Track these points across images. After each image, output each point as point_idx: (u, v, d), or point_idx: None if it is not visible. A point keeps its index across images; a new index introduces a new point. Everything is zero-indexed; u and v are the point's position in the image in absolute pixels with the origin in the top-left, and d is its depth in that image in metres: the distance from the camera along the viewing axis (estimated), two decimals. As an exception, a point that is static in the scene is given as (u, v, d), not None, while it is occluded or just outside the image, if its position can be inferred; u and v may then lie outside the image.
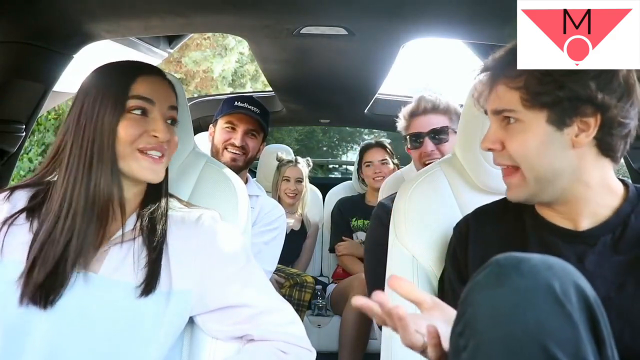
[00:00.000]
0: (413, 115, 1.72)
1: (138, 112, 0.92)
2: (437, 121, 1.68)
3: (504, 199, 1.00)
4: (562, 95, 0.80)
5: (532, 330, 0.56)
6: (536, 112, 0.83)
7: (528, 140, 0.84)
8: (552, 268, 0.59)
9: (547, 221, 0.92)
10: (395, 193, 1.79)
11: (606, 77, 0.80)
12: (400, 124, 1.79)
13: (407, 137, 1.73)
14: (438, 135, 1.66)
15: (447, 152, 1.65)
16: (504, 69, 0.86)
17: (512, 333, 0.56)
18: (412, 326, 0.66)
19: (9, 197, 0.93)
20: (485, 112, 0.93)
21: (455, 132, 1.66)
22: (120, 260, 0.91)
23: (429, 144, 1.66)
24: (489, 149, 0.90)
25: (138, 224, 0.94)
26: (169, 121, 0.97)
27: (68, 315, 0.84)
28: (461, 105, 1.25)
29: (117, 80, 0.93)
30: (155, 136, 0.93)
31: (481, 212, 1.03)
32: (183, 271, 0.93)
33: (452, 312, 0.72)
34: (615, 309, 0.77)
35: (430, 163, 1.60)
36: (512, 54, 0.85)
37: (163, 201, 0.99)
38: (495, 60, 0.89)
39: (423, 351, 0.69)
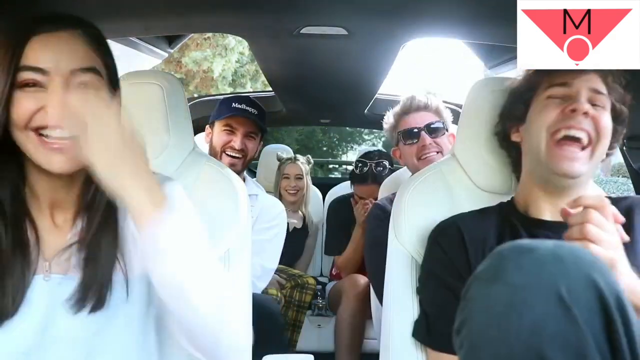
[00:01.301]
0: (406, 112, 1.71)
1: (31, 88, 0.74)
2: (431, 118, 1.68)
3: (483, 209, 1.02)
4: None
5: (527, 335, 0.50)
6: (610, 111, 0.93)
7: (609, 122, 0.91)
8: (562, 261, 0.52)
9: (535, 218, 0.93)
10: (393, 194, 1.80)
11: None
12: (390, 123, 1.77)
13: (401, 133, 1.71)
14: (434, 128, 1.65)
15: (443, 145, 1.65)
16: None
17: (505, 337, 0.51)
18: None
19: None
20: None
21: (447, 131, 1.68)
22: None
23: (426, 137, 1.64)
24: (585, 112, 0.91)
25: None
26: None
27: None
28: (460, 106, 1.25)
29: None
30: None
31: (464, 219, 1.03)
32: (132, 256, 0.83)
33: None
34: None
35: (427, 157, 1.63)
36: None
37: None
38: None
39: None
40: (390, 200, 1.76)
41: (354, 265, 2.33)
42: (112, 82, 0.83)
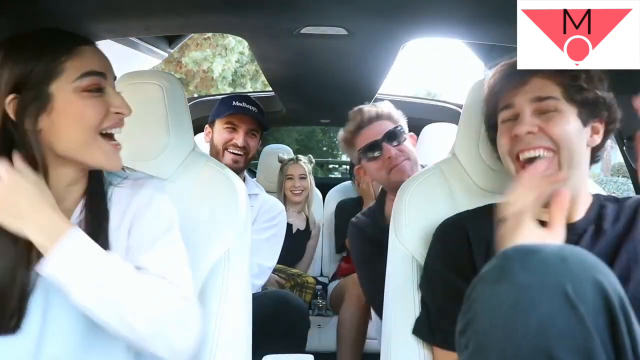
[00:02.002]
0: (360, 127, 1.60)
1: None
2: (387, 125, 1.58)
3: (486, 208, 1.01)
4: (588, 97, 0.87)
5: (534, 334, 0.50)
6: (572, 106, 0.87)
7: (566, 125, 0.87)
8: (566, 261, 0.52)
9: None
10: (369, 207, 1.78)
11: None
12: (346, 141, 1.65)
13: (361, 151, 1.59)
14: (394, 135, 1.56)
15: (408, 150, 1.57)
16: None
17: (512, 336, 0.51)
18: None
19: None
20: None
21: (405, 133, 1.60)
22: None
23: (389, 148, 1.54)
24: (529, 133, 0.88)
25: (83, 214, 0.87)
26: None
27: None
28: (460, 106, 1.25)
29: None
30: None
31: (470, 215, 1.02)
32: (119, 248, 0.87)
33: None
34: None
35: (397, 168, 1.53)
36: None
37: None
38: None
39: None
40: (365, 213, 1.75)
41: None
42: None
